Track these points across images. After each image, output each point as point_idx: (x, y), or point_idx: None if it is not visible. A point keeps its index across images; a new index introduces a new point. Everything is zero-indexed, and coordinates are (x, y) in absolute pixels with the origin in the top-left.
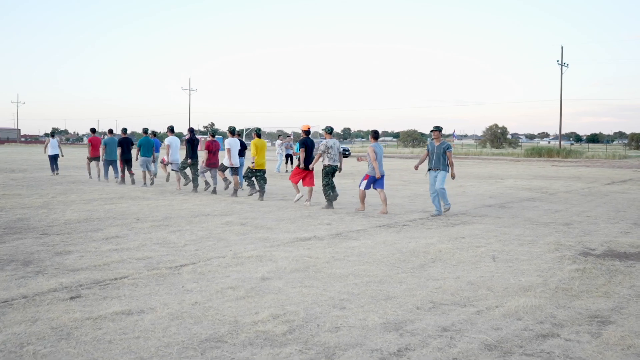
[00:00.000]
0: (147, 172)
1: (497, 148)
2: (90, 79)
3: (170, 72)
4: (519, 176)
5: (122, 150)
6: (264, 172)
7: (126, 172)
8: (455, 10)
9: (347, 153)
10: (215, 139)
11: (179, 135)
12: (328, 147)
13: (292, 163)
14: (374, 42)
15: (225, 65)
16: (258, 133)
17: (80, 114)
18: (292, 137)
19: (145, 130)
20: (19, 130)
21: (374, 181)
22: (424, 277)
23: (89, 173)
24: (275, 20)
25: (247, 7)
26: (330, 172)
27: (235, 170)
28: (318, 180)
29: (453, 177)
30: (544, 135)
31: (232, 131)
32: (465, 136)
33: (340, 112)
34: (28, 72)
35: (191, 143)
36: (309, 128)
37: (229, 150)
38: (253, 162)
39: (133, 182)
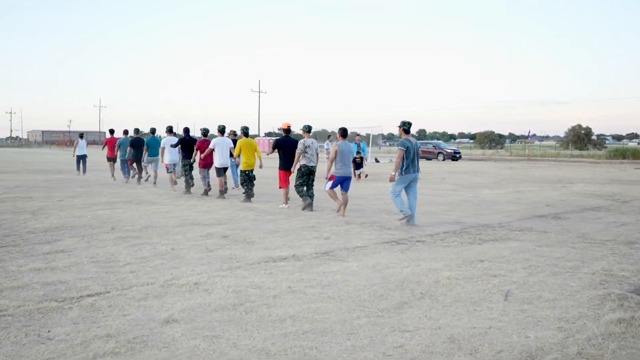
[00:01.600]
0: (157, 171)
1: (580, 150)
2: (165, 81)
3: (239, 75)
4: (592, 180)
5: (134, 150)
6: (251, 171)
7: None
8: (531, 5)
9: (457, 156)
10: (207, 138)
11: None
12: (306, 147)
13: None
14: (448, 40)
15: (293, 66)
16: (245, 132)
17: (160, 117)
18: (331, 137)
19: (153, 130)
20: (103, 133)
21: (342, 181)
22: (391, 325)
23: (112, 174)
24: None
25: (322, 10)
26: (305, 172)
27: (222, 171)
28: (319, 184)
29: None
30: (633, 136)
31: (222, 130)
32: (547, 137)
33: (413, 112)
34: (110, 77)
35: (187, 143)
36: (288, 126)
37: (216, 150)
38: (239, 163)
39: (139, 181)
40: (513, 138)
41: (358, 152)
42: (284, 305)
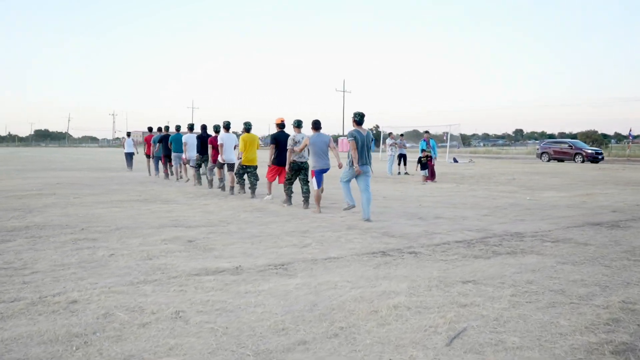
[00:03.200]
0: (177, 167)
1: None
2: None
3: (324, 74)
4: None
5: (163, 146)
6: (255, 167)
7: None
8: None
9: (600, 157)
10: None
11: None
12: (295, 142)
13: (405, 164)
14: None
15: (377, 65)
16: (247, 128)
17: (248, 117)
18: (404, 135)
19: (178, 128)
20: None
21: (318, 175)
22: None
23: (149, 171)
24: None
25: (413, 7)
26: (294, 168)
27: (231, 167)
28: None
29: (340, 166)
30: None
31: (227, 126)
32: None
33: (506, 110)
34: (201, 80)
35: (201, 140)
36: (282, 121)
37: (221, 145)
38: (240, 158)
39: (167, 177)
40: (619, 138)
41: (423, 150)
42: (138, 339)
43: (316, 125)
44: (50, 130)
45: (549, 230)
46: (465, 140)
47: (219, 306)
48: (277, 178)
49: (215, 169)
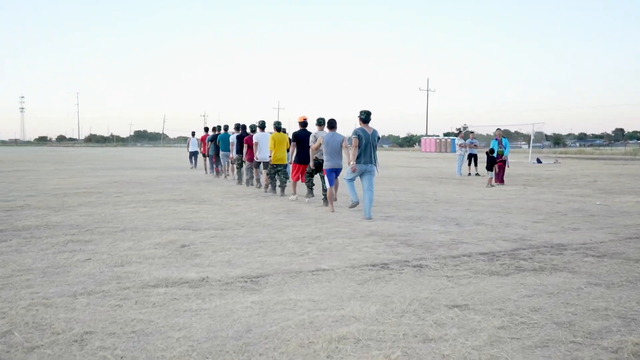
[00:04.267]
0: (225, 165)
1: None
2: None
3: (408, 73)
4: None
5: (214, 146)
6: (284, 166)
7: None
8: None
9: None
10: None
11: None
12: (317, 139)
13: (476, 165)
14: None
15: (463, 63)
16: (277, 127)
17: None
18: (474, 133)
19: (226, 127)
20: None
21: (329, 174)
22: None
23: (206, 170)
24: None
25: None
26: (316, 164)
27: (266, 165)
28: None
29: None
30: None
31: (262, 126)
32: None
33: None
34: (286, 81)
35: (240, 139)
36: (305, 119)
37: (256, 144)
38: (270, 157)
39: (217, 175)
40: None
41: (492, 150)
42: None
43: (331, 124)
44: (149, 131)
45: (601, 241)
46: (560, 140)
47: (139, 327)
48: (299, 177)
49: (253, 168)
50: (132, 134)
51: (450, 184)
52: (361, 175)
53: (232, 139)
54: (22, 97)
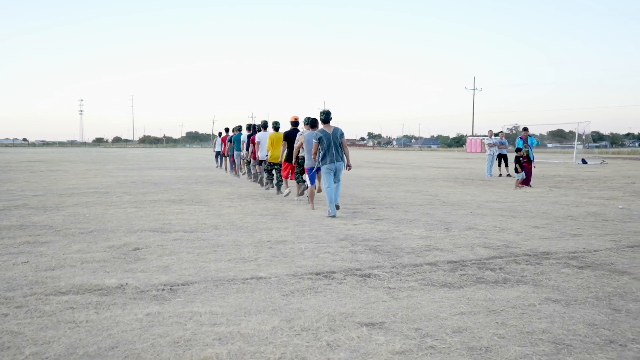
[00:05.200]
0: (238, 165)
1: None
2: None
3: (455, 72)
4: None
5: (231, 146)
6: (280, 165)
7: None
8: None
9: None
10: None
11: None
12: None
13: (507, 165)
14: None
15: (512, 60)
16: (276, 127)
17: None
18: (503, 133)
19: (239, 128)
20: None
21: (311, 171)
22: None
23: (225, 169)
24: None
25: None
26: (301, 163)
27: (263, 164)
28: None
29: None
30: None
31: (264, 125)
32: None
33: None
34: (331, 81)
35: (250, 139)
36: (296, 119)
37: (257, 143)
38: (267, 155)
39: (235, 174)
40: None
41: (519, 149)
42: None
43: (313, 123)
44: (200, 132)
45: (595, 250)
46: (617, 139)
47: (3, 340)
48: (289, 174)
49: (257, 165)
50: (183, 135)
51: (472, 185)
52: (334, 173)
53: (244, 138)
54: (81, 100)
